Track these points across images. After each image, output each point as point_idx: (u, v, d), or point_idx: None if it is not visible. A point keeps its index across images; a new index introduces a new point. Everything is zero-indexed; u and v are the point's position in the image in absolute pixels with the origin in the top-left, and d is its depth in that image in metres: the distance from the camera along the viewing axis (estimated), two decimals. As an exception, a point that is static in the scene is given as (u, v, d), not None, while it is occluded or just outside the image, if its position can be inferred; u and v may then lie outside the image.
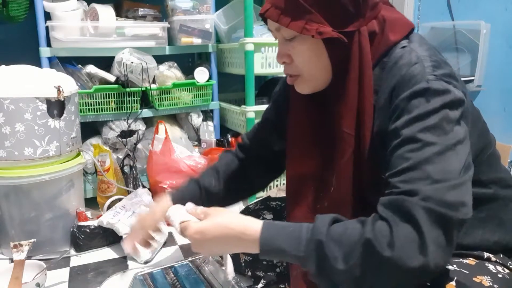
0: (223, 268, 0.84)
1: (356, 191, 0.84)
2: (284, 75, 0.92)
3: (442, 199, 0.63)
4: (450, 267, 0.74)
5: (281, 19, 0.76)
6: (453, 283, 0.70)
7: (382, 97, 0.77)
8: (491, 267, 0.76)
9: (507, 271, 0.77)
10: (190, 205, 0.84)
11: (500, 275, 0.74)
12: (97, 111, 1.74)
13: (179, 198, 1.01)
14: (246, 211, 1.22)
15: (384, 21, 0.79)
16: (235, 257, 1.19)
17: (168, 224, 0.91)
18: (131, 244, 0.98)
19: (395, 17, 0.80)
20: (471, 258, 0.78)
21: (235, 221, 0.73)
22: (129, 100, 1.77)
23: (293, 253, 0.68)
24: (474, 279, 0.71)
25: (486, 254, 0.79)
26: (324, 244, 0.66)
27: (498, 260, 0.78)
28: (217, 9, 1.92)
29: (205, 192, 1.06)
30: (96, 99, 1.72)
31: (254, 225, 0.72)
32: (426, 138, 0.67)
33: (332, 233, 0.66)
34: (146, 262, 1.30)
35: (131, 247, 0.98)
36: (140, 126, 1.83)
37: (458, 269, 0.74)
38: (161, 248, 1.45)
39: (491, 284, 0.70)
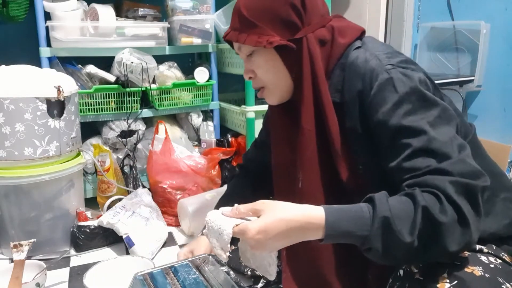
0: (265, 269, 0.80)
1: (328, 185, 0.90)
2: None
3: (460, 171, 0.70)
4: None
5: (239, 38, 0.89)
6: (445, 274, 0.71)
7: (348, 96, 0.85)
8: (483, 258, 0.77)
9: (499, 261, 0.78)
10: (226, 208, 0.79)
11: (492, 265, 0.75)
12: (97, 111, 1.74)
13: None
14: None
15: (333, 29, 0.89)
16: (235, 257, 1.19)
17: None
18: None
19: (344, 24, 0.91)
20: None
21: (296, 213, 0.72)
22: (129, 100, 1.77)
23: (358, 233, 0.69)
24: (466, 269, 0.72)
25: (478, 246, 0.80)
26: (390, 219, 0.67)
27: (490, 251, 0.79)
28: (217, 9, 1.92)
29: None
30: (96, 99, 1.72)
31: (316, 213, 0.71)
32: (414, 121, 0.75)
33: (393, 208, 0.69)
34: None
35: None
36: (140, 126, 1.83)
37: (450, 261, 0.75)
38: (161, 248, 1.45)
39: (482, 274, 0.71)
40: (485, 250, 0.79)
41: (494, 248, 0.81)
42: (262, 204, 0.74)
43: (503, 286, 0.70)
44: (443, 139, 0.73)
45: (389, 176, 0.79)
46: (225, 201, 1.17)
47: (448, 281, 0.70)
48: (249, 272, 1.17)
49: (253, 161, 1.23)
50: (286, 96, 0.94)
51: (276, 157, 1.04)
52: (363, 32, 0.92)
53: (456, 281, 0.70)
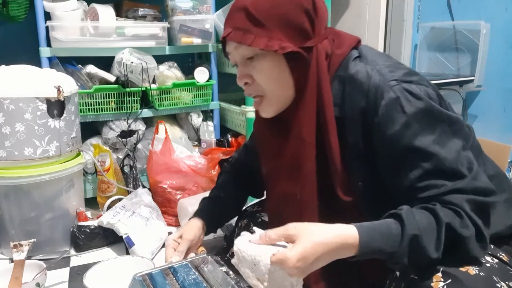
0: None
1: (323, 199, 0.89)
2: None
3: (474, 188, 0.73)
4: None
5: (244, 39, 0.81)
6: (439, 273, 0.72)
7: (350, 112, 0.83)
8: None
9: (496, 260, 0.78)
10: (253, 236, 0.77)
11: (488, 264, 0.75)
12: (97, 111, 1.74)
13: (206, 215, 1.13)
14: (243, 214, 1.23)
15: (333, 41, 0.87)
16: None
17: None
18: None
19: (341, 35, 0.89)
20: None
21: (331, 235, 0.71)
22: (129, 100, 1.77)
23: (389, 250, 0.71)
24: (461, 268, 0.73)
25: None
26: (419, 237, 0.70)
27: (488, 251, 0.79)
28: (217, 9, 1.92)
29: (220, 203, 1.17)
30: (96, 99, 1.72)
31: (349, 232, 0.72)
32: (423, 142, 0.76)
33: (421, 225, 0.71)
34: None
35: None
36: (140, 126, 1.83)
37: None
38: (161, 248, 1.45)
39: (477, 272, 0.72)
40: None
41: (492, 247, 0.81)
42: (294, 229, 0.73)
43: (497, 285, 0.70)
44: (452, 157, 0.75)
45: (394, 193, 0.80)
46: (215, 195, 1.20)
47: (442, 279, 0.71)
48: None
49: (243, 164, 1.22)
50: (282, 108, 0.90)
51: (268, 171, 1.01)
52: (359, 41, 0.90)
53: (450, 280, 0.70)
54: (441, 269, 0.73)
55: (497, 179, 0.87)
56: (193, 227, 1.11)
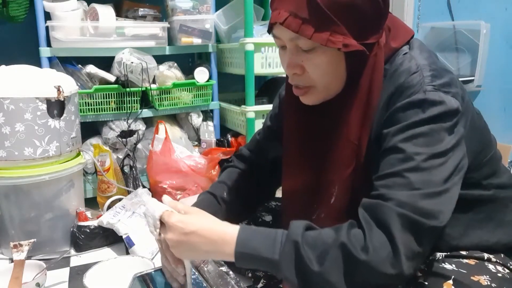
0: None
1: (354, 199, 0.83)
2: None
3: (416, 206, 0.64)
4: (448, 267, 0.75)
5: (303, 30, 0.70)
6: (450, 281, 0.71)
7: (380, 104, 0.77)
8: (491, 267, 0.76)
9: (507, 270, 0.77)
10: (167, 198, 0.84)
11: (499, 275, 0.75)
12: (97, 111, 1.74)
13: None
14: None
15: (389, 30, 0.79)
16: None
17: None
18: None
19: (397, 25, 0.81)
20: (471, 259, 0.78)
21: (215, 224, 0.74)
22: (129, 100, 1.77)
23: (269, 256, 0.68)
24: (472, 278, 0.72)
25: (486, 255, 0.79)
26: (300, 244, 0.66)
27: (498, 261, 0.79)
28: (217, 9, 1.92)
29: (222, 202, 1.02)
30: (96, 99, 1.72)
31: (232, 228, 0.72)
32: (414, 147, 0.69)
33: (306, 236, 0.68)
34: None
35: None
36: (140, 126, 1.83)
37: (456, 268, 0.74)
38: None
39: (488, 283, 0.71)
40: (494, 259, 0.79)
41: (502, 257, 0.80)
42: (194, 209, 0.80)
43: None
44: (428, 175, 0.67)
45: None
46: (216, 192, 1.05)
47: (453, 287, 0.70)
48: (249, 274, 1.17)
49: (259, 156, 1.09)
50: (328, 97, 0.82)
51: (289, 165, 0.92)
52: (412, 35, 0.83)
53: None
54: (453, 276, 0.71)
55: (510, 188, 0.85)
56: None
